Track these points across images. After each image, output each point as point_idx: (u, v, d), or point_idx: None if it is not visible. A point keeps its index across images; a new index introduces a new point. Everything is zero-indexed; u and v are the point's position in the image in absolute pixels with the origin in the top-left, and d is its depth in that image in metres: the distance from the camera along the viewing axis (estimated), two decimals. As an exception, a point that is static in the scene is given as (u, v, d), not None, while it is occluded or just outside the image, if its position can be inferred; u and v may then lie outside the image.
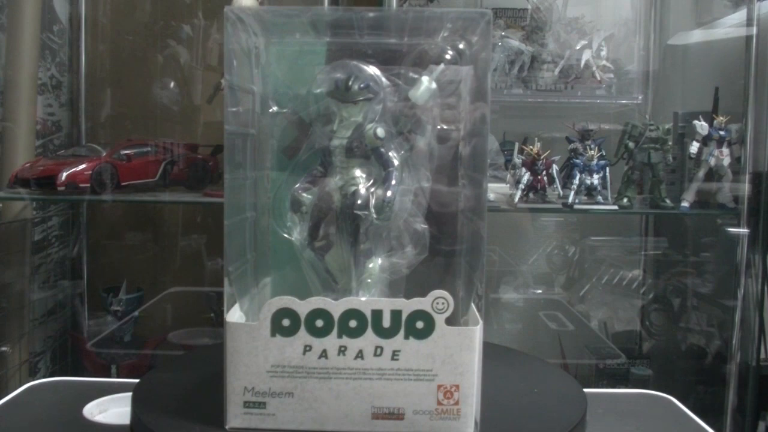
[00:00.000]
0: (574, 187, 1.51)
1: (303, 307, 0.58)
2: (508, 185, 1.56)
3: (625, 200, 1.53)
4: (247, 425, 0.60)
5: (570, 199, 1.51)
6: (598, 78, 1.68)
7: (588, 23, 1.76)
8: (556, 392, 0.71)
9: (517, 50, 1.70)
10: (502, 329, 1.86)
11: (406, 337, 0.58)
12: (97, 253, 1.89)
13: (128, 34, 1.88)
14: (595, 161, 1.52)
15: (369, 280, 0.62)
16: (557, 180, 1.56)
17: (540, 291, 1.93)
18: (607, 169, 1.54)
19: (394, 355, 0.58)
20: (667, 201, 1.53)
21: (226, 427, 0.60)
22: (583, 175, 1.52)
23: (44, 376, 1.71)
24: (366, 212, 0.61)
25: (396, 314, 0.58)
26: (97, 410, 0.81)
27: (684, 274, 1.81)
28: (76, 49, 1.87)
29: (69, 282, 1.88)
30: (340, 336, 0.58)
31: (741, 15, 1.58)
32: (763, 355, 1.53)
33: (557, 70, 1.69)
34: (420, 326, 0.58)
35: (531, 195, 1.55)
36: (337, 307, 0.58)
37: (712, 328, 1.74)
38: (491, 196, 1.54)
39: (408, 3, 1.75)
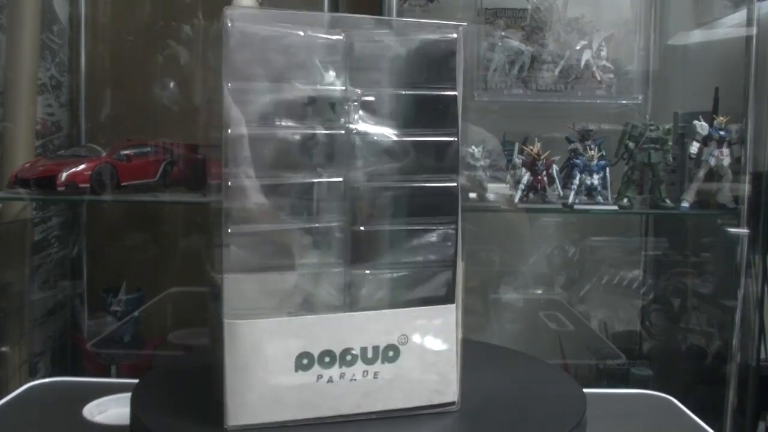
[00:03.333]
0: (574, 187, 1.51)
1: None
2: (508, 185, 1.56)
3: (625, 200, 1.53)
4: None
5: (570, 200, 1.51)
6: (598, 78, 1.68)
7: (588, 23, 1.76)
8: (555, 392, 0.71)
9: (517, 50, 1.70)
10: (502, 329, 1.86)
11: None
12: (97, 254, 1.89)
13: (128, 34, 1.88)
14: (595, 161, 1.52)
15: None
16: (557, 180, 1.55)
17: (540, 291, 1.93)
18: (607, 169, 1.54)
19: None
20: (667, 201, 1.53)
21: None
22: (583, 175, 1.52)
23: (44, 377, 1.70)
24: None
25: None
26: (97, 410, 0.81)
27: (684, 275, 1.81)
28: (76, 49, 1.86)
29: (69, 282, 1.88)
30: None
31: (741, 15, 1.58)
32: (763, 355, 1.53)
33: (557, 71, 1.69)
34: None
35: (531, 195, 1.54)
36: None
37: (712, 328, 1.74)
38: (491, 196, 1.54)
39: (408, 3, 1.75)
